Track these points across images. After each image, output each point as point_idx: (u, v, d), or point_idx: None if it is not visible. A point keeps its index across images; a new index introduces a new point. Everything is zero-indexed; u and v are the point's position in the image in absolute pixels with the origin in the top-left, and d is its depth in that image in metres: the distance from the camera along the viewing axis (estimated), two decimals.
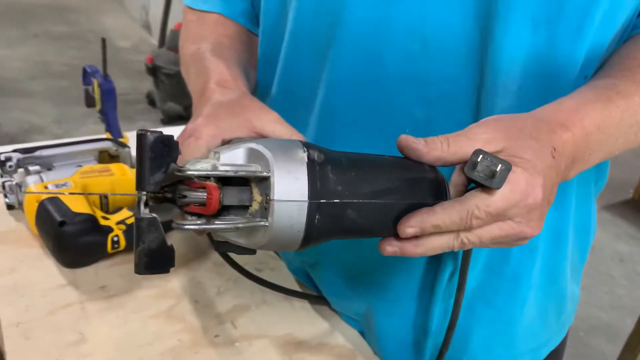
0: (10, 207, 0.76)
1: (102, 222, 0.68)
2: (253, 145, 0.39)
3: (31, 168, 0.75)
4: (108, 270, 0.68)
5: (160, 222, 0.36)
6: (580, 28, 0.45)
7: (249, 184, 0.39)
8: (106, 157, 0.82)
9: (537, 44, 0.45)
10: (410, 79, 0.50)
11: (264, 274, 0.70)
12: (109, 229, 0.67)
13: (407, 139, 0.40)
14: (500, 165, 0.36)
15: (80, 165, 0.77)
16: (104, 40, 0.90)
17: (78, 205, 0.67)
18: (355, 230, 0.40)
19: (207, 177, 0.38)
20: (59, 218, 0.65)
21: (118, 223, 0.68)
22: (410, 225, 0.38)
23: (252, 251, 0.42)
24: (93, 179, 0.73)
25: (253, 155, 0.39)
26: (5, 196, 0.76)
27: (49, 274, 0.66)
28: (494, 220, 0.38)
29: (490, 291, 0.56)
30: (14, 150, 0.75)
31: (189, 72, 0.59)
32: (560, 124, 0.41)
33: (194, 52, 0.58)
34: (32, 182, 0.71)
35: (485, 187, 0.37)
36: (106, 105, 0.92)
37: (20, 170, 0.75)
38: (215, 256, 0.72)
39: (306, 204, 0.37)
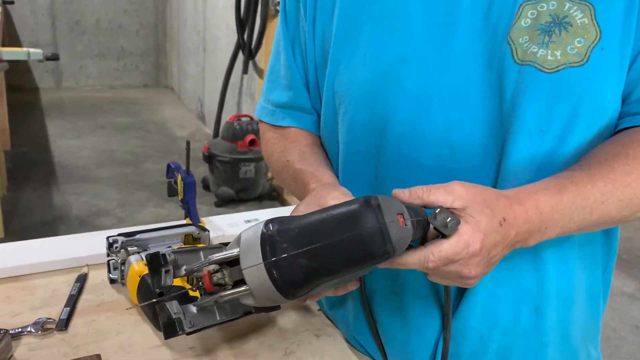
0: (112, 281, 0.93)
1: (191, 293, 0.83)
2: (241, 231, 0.55)
3: (130, 249, 0.92)
4: (195, 334, 0.82)
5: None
6: (564, 134, 0.59)
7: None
8: (190, 240, 0.99)
9: (533, 148, 0.60)
10: (440, 174, 0.65)
11: (322, 339, 0.83)
12: (196, 299, 0.82)
13: (394, 191, 0.56)
14: (450, 219, 0.51)
15: (170, 246, 0.94)
16: (188, 143, 1.09)
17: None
18: (318, 272, 0.50)
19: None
20: (158, 290, 0.80)
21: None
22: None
23: (274, 308, 0.64)
24: None
25: (239, 241, 0.55)
26: (109, 272, 0.93)
27: (147, 336, 0.81)
28: (444, 264, 0.51)
29: (507, 348, 0.67)
30: (119, 234, 0.93)
31: (285, 180, 0.78)
32: (518, 202, 0.55)
33: (285, 164, 0.76)
34: (134, 261, 0.88)
35: (442, 233, 0.51)
36: (187, 196, 1.09)
37: (122, 251, 0.92)
38: (282, 322, 0.85)
39: (262, 265, 0.51)
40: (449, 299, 0.65)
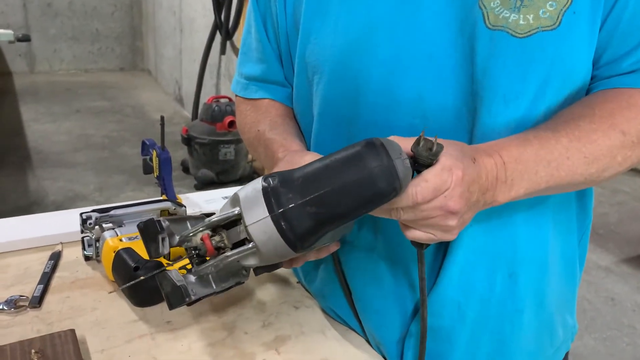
0: (87, 258, 0.92)
1: (168, 268, 0.82)
2: (235, 192, 0.54)
3: (105, 225, 0.90)
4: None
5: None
6: (537, 99, 0.59)
7: (239, 223, 0.53)
8: (166, 215, 0.98)
9: (508, 114, 0.60)
10: None
11: (300, 310, 0.83)
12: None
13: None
14: (434, 145, 0.50)
15: None
16: (162, 118, 1.08)
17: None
18: (328, 218, 0.50)
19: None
20: (133, 264, 0.79)
21: (180, 268, 0.82)
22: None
23: (276, 266, 0.60)
24: None
25: (236, 200, 0.53)
26: (84, 249, 0.91)
27: (123, 311, 0.80)
28: (432, 195, 0.51)
29: (483, 316, 0.68)
30: (93, 210, 0.91)
31: (257, 150, 0.77)
32: (483, 150, 0.56)
33: (256, 134, 0.76)
34: (109, 236, 0.86)
35: (427, 164, 0.51)
36: (163, 172, 1.08)
37: (96, 227, 0.90)
38: (260, 295, 0.85)
39: (269, 218, 0.50)
40: (423, 272, 0.63)
